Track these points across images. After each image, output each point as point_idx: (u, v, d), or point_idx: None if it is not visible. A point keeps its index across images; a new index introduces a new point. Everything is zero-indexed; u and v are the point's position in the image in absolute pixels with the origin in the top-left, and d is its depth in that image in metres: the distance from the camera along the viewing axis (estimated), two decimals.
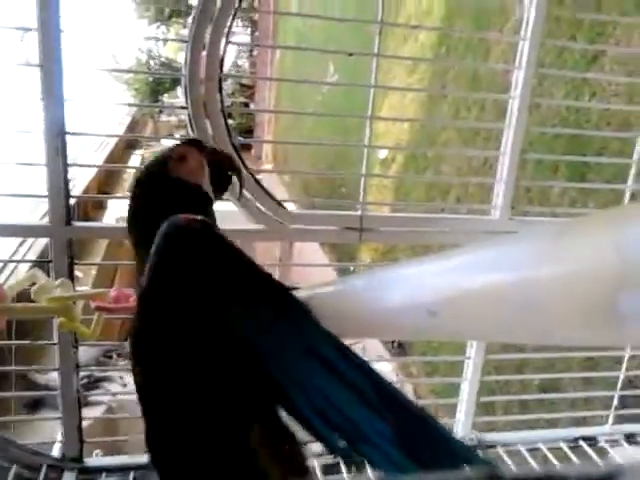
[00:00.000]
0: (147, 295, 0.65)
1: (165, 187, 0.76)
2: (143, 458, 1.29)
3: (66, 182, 1.13)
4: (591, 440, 1.52)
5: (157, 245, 0.64)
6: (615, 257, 0.27)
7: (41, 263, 1.14)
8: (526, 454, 1.48)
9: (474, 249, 0.44)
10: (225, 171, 0.85)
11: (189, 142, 0.85)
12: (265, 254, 5.45)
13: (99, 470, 1.31)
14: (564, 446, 1.49)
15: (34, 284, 0.93)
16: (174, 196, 0.74)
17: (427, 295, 0.47)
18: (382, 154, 5.68)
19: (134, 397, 0.68)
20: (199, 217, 0.66)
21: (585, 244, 0.30)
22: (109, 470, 1.31)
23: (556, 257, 0.32)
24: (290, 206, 1.35)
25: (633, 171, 1.45)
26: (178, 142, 0.87)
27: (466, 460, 0.57)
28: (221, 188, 0.85)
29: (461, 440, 0.60)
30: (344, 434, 0.58)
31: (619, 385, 1.61)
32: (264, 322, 0.61)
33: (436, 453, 0.57)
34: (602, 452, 1.50)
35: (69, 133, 1.12)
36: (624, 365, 1.59)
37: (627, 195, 1.50)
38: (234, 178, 0.88)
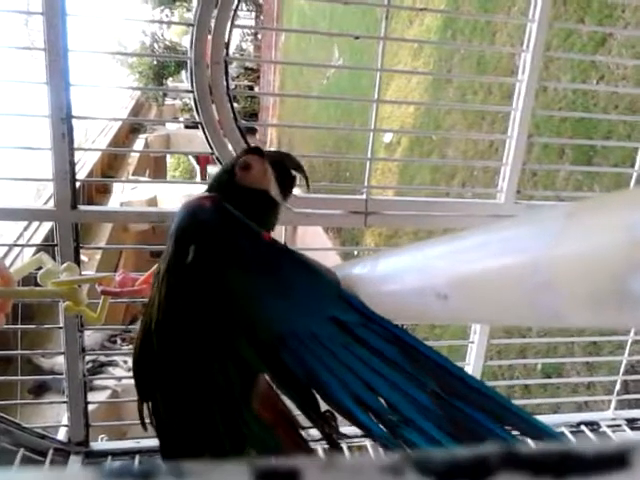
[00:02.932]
0: (166, 270, 0.68)
1: (233, 195, 0.77)
2: (148, 442, 1.30)
3: (72, 166, 1.13)
4: (593, 425, 1.52)
5: (174, 224, 0.68)
6: (626, 238, 0.27)
7: (47, 247, 1.14)
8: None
9: (483, 231, 0.43)
10: (288, 170, 0.86)
11: (250, 150, 0.86)
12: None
13: (105, 454, 1.31)
14: (566, 431, 1.49)
15: (40, 268, 0.93)
16: (240, 203, 0.74)
17: (437, 278, 0.46)
18: (387, 138, 5.65)
19: None
20: (213, 196, 0.71)
21: (596, 225, 0.30)
22: (115, 454, 1.32)
23: (566, 238, 0.31)
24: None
25: None
26: (240, 152, 0.89)
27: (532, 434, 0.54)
28: (289, 187, 0.87)
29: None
30: (383, 419, 0.56)
31: (622, 370, 1.61)
32: (280, 289, 0.63)
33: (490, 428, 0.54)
34: (604, 437, 1.50)
35: (75, 117, 1.12)
36: (627, 350, 1.58)
37: (634, 179, 1.48)
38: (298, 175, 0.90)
